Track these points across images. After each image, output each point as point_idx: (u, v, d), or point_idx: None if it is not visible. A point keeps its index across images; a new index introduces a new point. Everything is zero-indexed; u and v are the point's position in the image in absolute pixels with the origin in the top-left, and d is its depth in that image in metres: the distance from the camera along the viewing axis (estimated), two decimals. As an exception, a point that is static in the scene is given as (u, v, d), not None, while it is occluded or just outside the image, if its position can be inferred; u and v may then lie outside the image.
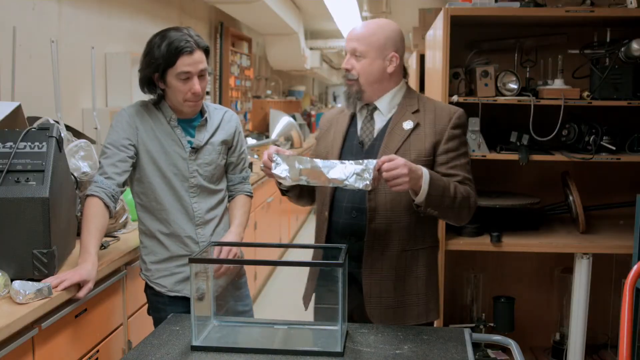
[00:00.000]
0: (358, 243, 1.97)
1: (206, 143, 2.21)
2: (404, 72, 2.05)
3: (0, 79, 2.72)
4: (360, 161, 1.77)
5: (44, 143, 1.99)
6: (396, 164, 1.74)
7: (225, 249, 2.12)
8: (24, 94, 2.80)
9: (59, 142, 2.04)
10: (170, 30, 2.10)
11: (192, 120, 2.21)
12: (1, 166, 1.92)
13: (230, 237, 2.21)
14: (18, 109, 2.28)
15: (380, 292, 1.96)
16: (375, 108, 2.02)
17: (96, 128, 3.34)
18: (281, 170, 1.80)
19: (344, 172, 1.76)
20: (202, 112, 2.23)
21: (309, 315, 2.13)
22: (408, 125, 1.96)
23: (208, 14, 5.92)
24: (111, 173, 2.09)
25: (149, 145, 2.15)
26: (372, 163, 1.75)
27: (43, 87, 3.01)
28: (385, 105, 2.01)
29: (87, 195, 2.07)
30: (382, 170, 1.74)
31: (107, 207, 2.07)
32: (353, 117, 2.08)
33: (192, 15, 5.45)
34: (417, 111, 1.98)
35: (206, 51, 2.13)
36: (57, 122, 2.39)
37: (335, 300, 1.67)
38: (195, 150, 2.19)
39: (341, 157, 2.01)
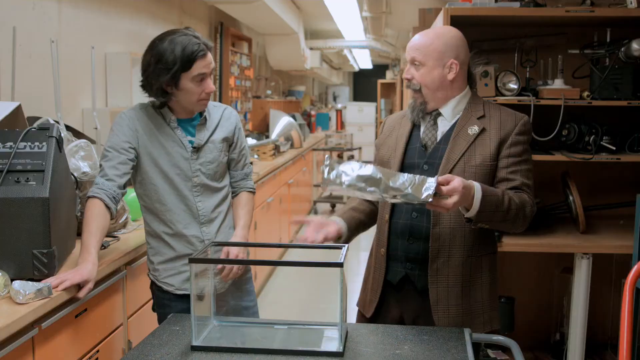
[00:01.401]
0: (416, 244, 1.96)
1: (207, 141, 2.21)
2: (470, 79, 2.03)
3: (0, 79, 2.72)
4: (417, 176, 1.68)
5: (44, 143, 1.99)
6: (454, 188, 1.67)
7: (232, 253, 2.14)
8: (24, 94, 2.80)
9: (59, 142, 2.04)
10: (174, 33, 2.08)
11: (191, 120, 2.21)
12: (1, 166, 1.92)
13: (235, 240, 2.23)
14: (18, 109, 2.28)
15: (448, 300, 1.94)
16: (439, 114, 2.00)
17: (96, 128, 3.34)
18: (335, 174, 1.57)
19: (405, 182, 1.63)
20: (201, 112, 2.24)
21: (309, 315, 2.13)
22: (473, 130, 1.94)
23: (208, 14, 5.92)
24: (112, 175, 2.09)
25: (150, 147, 2.15)
26: (432, 180, 1.64)
27: (43, 87, 3.01)
28: (449, 111, 1.99)
29: (88, 197, 2.07)
30: (440, 192, 1.67)
31: (108, 208, 2.07)
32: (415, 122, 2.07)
33: (192, 15, 5.45)
34: (482, 117, 1.96)
35: (211, 50, 2.15)
36: (57, 122, 2.39)
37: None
38: (197, 149, 2.19)
39: (404, 159, 2.01)
